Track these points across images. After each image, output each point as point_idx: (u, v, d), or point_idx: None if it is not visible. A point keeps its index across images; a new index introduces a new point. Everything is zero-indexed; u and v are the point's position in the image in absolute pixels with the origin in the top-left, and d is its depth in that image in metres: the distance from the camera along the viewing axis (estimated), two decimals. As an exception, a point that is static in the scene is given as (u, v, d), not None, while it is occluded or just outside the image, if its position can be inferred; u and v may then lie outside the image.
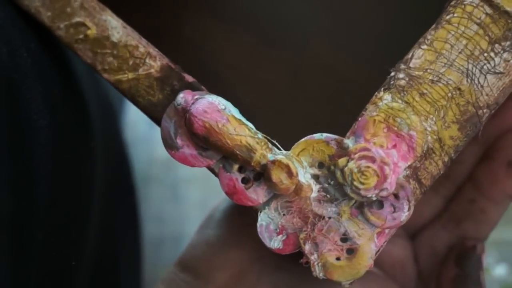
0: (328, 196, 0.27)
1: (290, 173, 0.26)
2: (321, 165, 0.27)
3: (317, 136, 0.27)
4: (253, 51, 0.41)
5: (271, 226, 0.27)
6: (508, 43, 0.26)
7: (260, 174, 0.27)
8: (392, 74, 0.27)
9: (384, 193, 0.26)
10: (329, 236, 0.26)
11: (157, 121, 0.28)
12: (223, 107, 0.27)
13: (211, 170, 0.28)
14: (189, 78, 0.28)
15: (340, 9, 0.40)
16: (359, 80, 0.40)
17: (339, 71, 0.40)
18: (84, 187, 0.35)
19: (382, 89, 0.27)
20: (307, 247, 0.27)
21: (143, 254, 0.52)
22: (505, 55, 0.26)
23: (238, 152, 0.26)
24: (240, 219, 0.34)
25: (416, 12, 0.38)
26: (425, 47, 0.27)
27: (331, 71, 0.40)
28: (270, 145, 0.27)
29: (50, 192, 0.31)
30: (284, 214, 0.27)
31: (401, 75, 0.27)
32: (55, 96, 0.31)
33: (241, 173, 0.27)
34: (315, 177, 0.27)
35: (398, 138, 0.26)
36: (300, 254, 0.27)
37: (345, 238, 0.26)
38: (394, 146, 0.26)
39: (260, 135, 0.27)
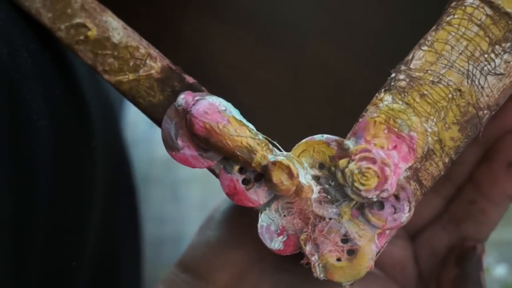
0: (329, 197, 0.27)
1: (290, 174, 0.26)
2: (321, 166, 0.27)
3: (317, 137, 0.27)
4: (253, 51, 0.41)
5: (271, 227, 0.27)
6: (508, 44, 0.26)
7: (261, 175, 0.27)
8: (393, 75, 0.27)
9: (384, 194, 0.26)
10: (329, 237, 0.26)
11: (158, 122, 0.28)
12: (223, 108, 0.27)
13: (212, 171, 0.28)
14: (190, 79, 0.28)
15: (340, 9, 0.40)
16: (359, 80, 0.40)
17: (339, 72, 0.40)
18: (84, 188, 0.35)
19: (382, 90, 0.27)
20: (307, 248, 0.27)
21: (143, 254, 0.52)
22: (505, 56, 0.26)
23: (238, 153, 0.26)
24: (240, 220, 0.34)
25: (416, 13, 0.38)
26: (425, 48, 0.26)
27: (331, 71, 0.40)
28: (270, 146, 0.27)
29: (50, 193, 0.31)
30: (284, 215, 0.27)
31: (401, 76, 0.26)
32: (55, 97, 0.31)
33: (242, 174, 0.27)
34: (316, 178, 0.27)
35: (398, 139, 0.26)
36: (300, 255, 0.27)
37: (345, 239, 0.26)
38: (395, 147, 0.26)
39: (260, 136, 0.27)
